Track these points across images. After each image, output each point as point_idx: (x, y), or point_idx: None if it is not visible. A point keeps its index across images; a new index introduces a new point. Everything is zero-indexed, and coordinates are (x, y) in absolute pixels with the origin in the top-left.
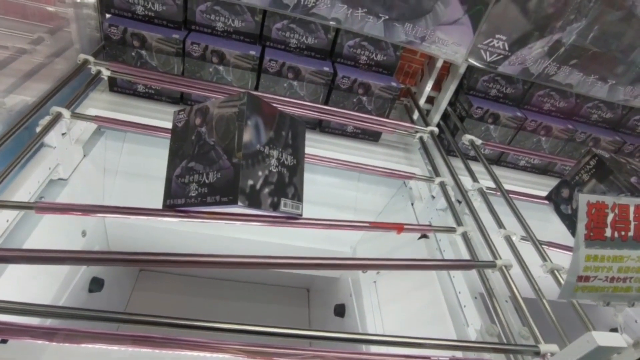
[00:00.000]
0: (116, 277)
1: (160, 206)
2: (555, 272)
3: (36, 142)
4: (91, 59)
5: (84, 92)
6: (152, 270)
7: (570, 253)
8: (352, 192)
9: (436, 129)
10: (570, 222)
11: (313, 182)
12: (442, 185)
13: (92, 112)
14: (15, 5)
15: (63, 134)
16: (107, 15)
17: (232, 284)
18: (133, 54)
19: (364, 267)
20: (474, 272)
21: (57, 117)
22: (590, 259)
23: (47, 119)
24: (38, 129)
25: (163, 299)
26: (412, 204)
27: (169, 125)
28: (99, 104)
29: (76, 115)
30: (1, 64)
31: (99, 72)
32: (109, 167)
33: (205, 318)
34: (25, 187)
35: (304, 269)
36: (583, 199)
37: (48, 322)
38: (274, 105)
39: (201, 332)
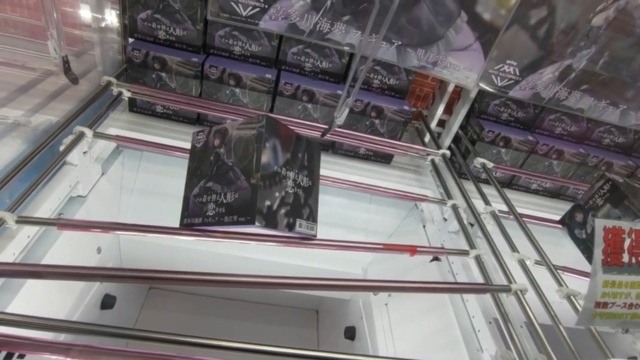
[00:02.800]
0: (126, 294)
1: (173, 224)
2: (572, 297)
3: (60, 160)
4: (114, 80)
5: (105, 112)
6: (161, 288)
7: (586, 278)
8: (364, 213)
9: (448, 152)
10: (584, 246)
11: (325, 203)
12: (455, 208)
13: (112, 131)
14: (44, 29)
15: (84, 153)
16: (130, 40)
17: (240, 304)
18: (153, 76)
19: (376, 289)
20: (487, 297)
21: (80, 136)
22: (608, 284)
23: (70, 138)
24: (62, 148)
25: (171, 318)
26: (424, 226)
27: (186, 145)
28: (118, 123)
29: (98, 135)
30: (29, 85)
31: (120, 93)
32: (126, 185)
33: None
34: (47, 204)
35: (314, 290)
36: (599, 224)
37: (62, 337)
38: (290, 127)
39: (211, 350)
